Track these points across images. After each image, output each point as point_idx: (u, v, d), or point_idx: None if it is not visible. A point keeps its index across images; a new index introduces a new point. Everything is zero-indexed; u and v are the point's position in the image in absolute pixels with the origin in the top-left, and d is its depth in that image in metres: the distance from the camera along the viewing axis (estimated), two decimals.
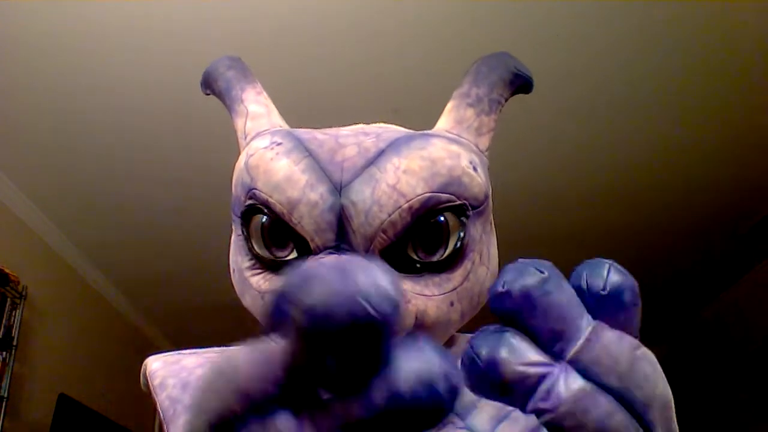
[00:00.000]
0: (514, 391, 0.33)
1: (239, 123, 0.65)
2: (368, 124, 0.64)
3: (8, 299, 2.58)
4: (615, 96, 2.32)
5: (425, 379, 0.29)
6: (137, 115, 2.32)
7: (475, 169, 0.57)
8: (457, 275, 0.56)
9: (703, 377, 4.10)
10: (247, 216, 0.57)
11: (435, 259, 0.55)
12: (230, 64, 0.68)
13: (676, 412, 0.37)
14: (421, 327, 0.55)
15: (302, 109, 2.30)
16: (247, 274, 0.59)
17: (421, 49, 2.09)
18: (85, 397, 3.21)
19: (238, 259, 0.61)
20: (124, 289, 3.71)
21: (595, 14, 1.97)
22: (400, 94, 2.25)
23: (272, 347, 0.30)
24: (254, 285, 0.58)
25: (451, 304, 0.56)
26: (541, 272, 0.34)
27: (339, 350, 0.28)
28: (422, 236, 0.54)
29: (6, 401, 2.47)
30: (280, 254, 0.56)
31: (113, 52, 2.04)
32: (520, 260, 0.36)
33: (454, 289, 0.56)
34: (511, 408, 0.54)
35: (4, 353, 2.52)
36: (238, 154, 0.61)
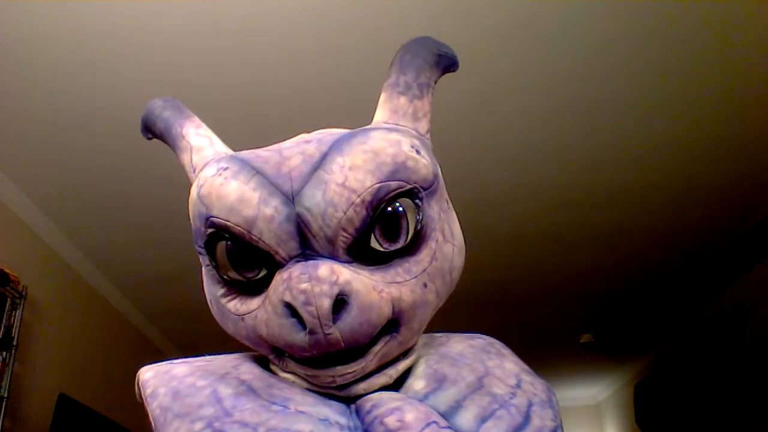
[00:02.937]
0: None
1: (185, 158, 0.66)
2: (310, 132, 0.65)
3: (8, 299, 2.58)
4: (615, 94, 2.32)
5: None
6: (138, 114, 2.30)
7: (417, 152, 0.59)
8: (424, 256, 0.58)
9: (705, 377, 4.09)
10: (210, 245, 0.58)
11: (399, 245, 0.56)
12: (164, 105, 0.72)
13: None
14: (401, 313, 0.57)
15: (305, 107, 2.30)
16: (223, 301, 0.60)
17: None
18: (85, 397, 3.21)
19: (212, 290, 0.62)
20: (124, 289, 3.70)
21: (594, 10, 1.96)
22: None
23: None
24: (232, 310, 0.60)
25: (425, 285, 0.58)
26: None
27: None
28: (383, 226, 0.56)
29: (6, 401, 2.46)
30: (250, 275, 0.57)
31: (113, 51, 2.03)
32: None
33: (425, 270, 0.58)
34: (496, 406, 0.56)
35: (4, 353, 2.52)
36: (190, 188, 0.62)
